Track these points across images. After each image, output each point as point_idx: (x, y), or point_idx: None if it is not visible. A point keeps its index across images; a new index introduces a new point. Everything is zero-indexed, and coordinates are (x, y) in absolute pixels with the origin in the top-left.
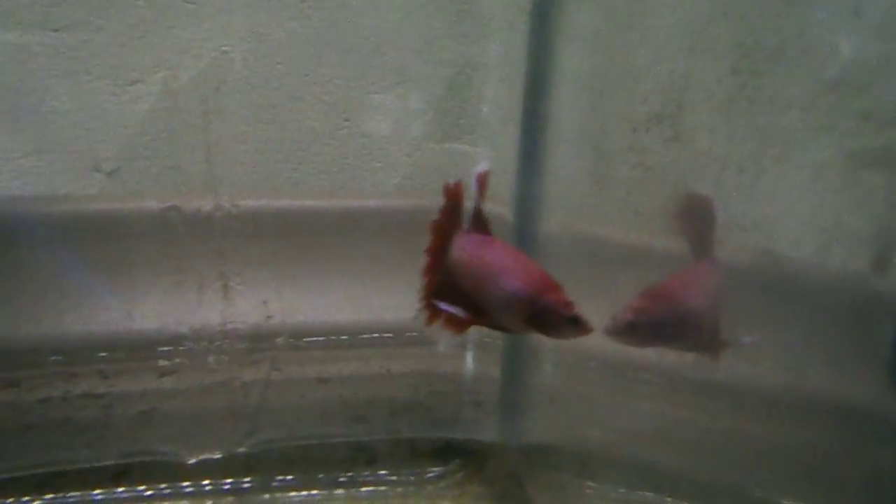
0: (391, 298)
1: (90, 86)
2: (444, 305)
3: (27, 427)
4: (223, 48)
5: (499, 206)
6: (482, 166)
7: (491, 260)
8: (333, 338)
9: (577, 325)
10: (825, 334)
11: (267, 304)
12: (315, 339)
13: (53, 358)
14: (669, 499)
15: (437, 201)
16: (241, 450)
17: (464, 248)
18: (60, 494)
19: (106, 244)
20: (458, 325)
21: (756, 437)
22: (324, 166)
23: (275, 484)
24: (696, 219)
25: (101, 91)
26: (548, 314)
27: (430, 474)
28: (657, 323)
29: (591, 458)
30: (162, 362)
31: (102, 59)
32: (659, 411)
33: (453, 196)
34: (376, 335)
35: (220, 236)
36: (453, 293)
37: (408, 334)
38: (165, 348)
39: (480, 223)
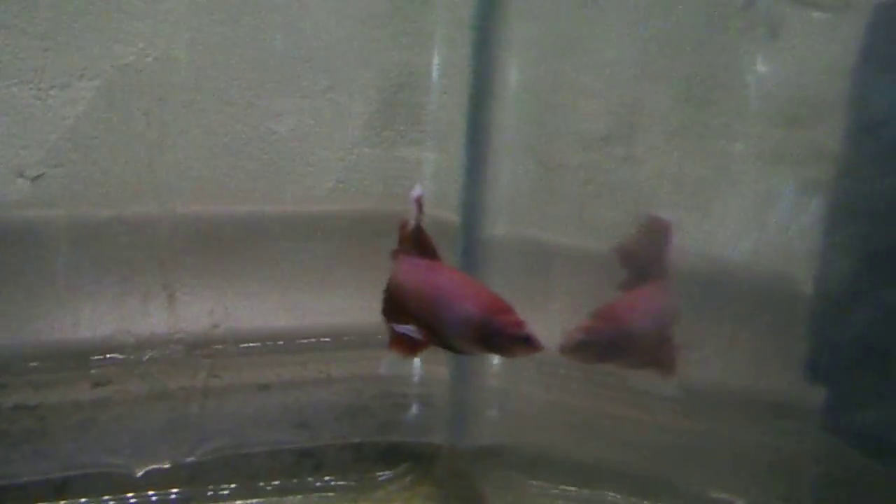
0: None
1: (11, 90)
2: (400, 327)
3: None
4: (152, 52)
5: (445, 212)
6: (417, 190)
7: (440, 283)
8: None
9: (528, 344)
10: (748, 333)
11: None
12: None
13: None
14: (611, 494)
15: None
16: (190, 459)
17: (408, 271)
18: None
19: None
20: (412, 348)
21: (688, 432)
22: (255, 171)
23: (226, 492)
24: (653, 240)
25: (24, 95)
26: (500, 336)
27: (381, 478)
28: (607, 342)
29: (540, 458)
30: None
31: (25, 62)
32: (602, 410)
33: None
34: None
35: (161, 242)
36: (399, 314)
37: (346, 338)
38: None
39: (423, 245)
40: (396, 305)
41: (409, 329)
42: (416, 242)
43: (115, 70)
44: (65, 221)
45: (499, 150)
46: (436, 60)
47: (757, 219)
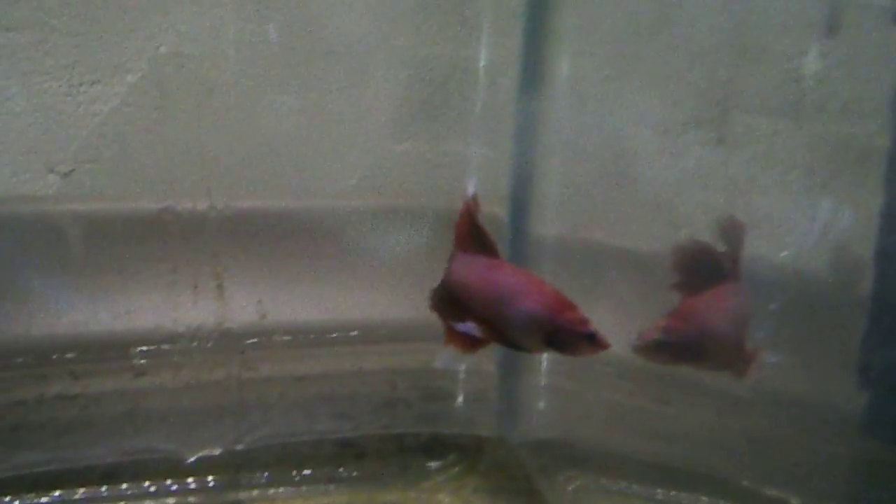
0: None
1: (42, 86)
2: (461, 326)
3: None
4: (181, 50)
5: (492, 207)
6: (471, 187)
7: (502, 280)
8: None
9: (594, 342)
10: (798, 334)
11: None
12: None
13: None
14: (660, 490)
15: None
16: (240, 447)
17: (467, 268)
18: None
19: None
20: (471, 345)
21: (742, 430)
22: (301, 165)
23: (280, 480)
24: (728, 241)
25: (55, 91)
26: (565, 333)
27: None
28: (685, 343)
29: (591, 453)
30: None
31: (56, 59)
32: (656, 407)
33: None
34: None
35: (212, 236)
36: (455, 311)
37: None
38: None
39: (482, 242)
40: (454, 302)
41: (469, 327)
42: (475, 239)
43: (141, 68)
44: (103, 215)
45: (549, 143)
46: (483, 51)
47: (813, 217)
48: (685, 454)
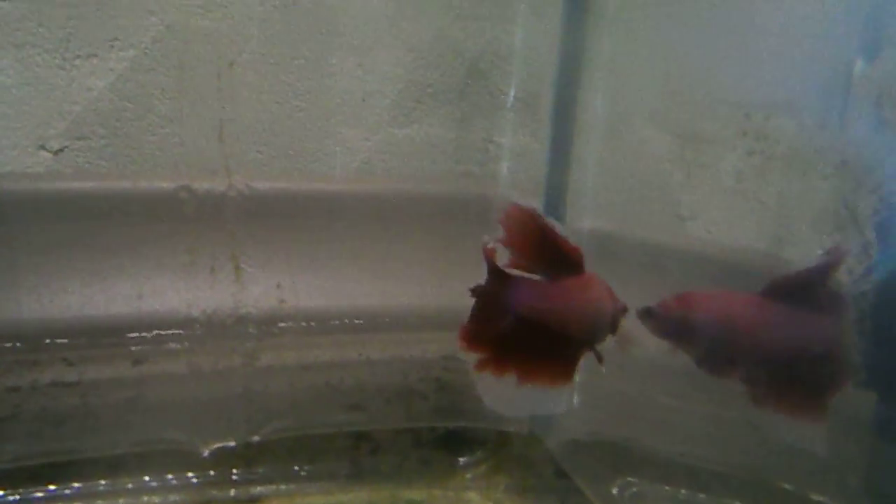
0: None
1: (35, 59)
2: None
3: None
4: (182, 24)
5: (526, 196)
6: (488, 242)
7: (559, 294)
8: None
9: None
10: None
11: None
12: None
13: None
14: (702, 495)
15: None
16: (257, 438)
17: (529, 294)
18: None
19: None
20: (500, 370)
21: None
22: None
23: (303, 473)
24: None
25: (47, 65)
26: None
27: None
28: (672, 321)
29: (627, 453)
30: None
31: (50, 30)
32: (691, 408)
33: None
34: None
35: (236, 218)
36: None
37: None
38: None
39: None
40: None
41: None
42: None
43: (140, 40)
44: (101, 194)
45: (587, 129)
46: (519, 30)
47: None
48: (728, 456)
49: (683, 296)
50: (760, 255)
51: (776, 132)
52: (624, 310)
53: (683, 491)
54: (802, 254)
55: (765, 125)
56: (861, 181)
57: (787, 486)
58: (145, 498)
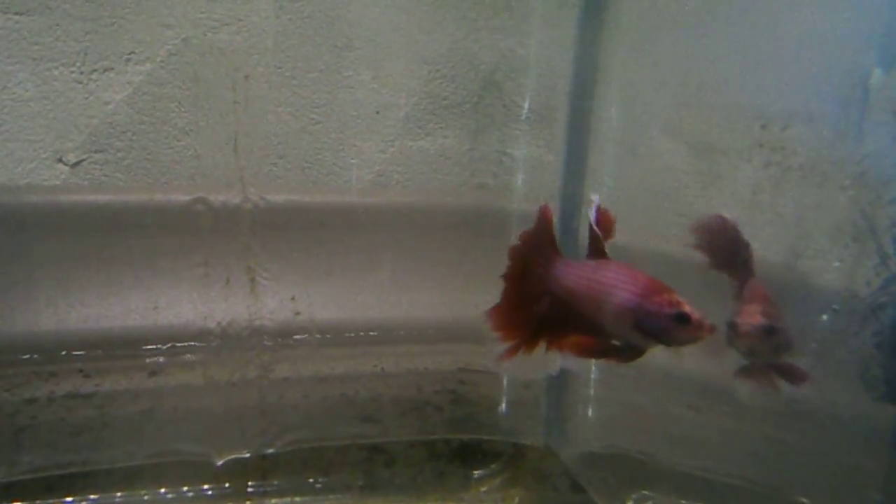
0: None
1: (52, 73)
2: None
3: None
4: (198, 37)
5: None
6: (595, 200)
7: (603, 280)
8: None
9: (685, 323)
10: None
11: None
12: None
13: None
14: None
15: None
16: (271, 450)
17: (574, 274)
18: None
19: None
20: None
21: (788, 444)
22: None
23: (317, 485)
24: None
25: (64, 79)
26: (653, 317)
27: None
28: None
29: (641, 466)
30: None
31: (67, 45)
32: (702, 420)
33: (544, 220)
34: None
35: (251, 230)
36: (556, 321)
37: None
38: None
39: (598, 252)
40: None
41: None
42: (594, 251)
43: (156, 55)
44: (118, 207)
45: (602, 140)
46: (534, 42)
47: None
48: (737, 468)
49: (764, 303)
50: (778, 267)
51: (793, 143)
52: (659, 312)
53: None
54: (820, 266)
55: (781, 136)
56: (879, 192)
57: (805, 500)
58: None
